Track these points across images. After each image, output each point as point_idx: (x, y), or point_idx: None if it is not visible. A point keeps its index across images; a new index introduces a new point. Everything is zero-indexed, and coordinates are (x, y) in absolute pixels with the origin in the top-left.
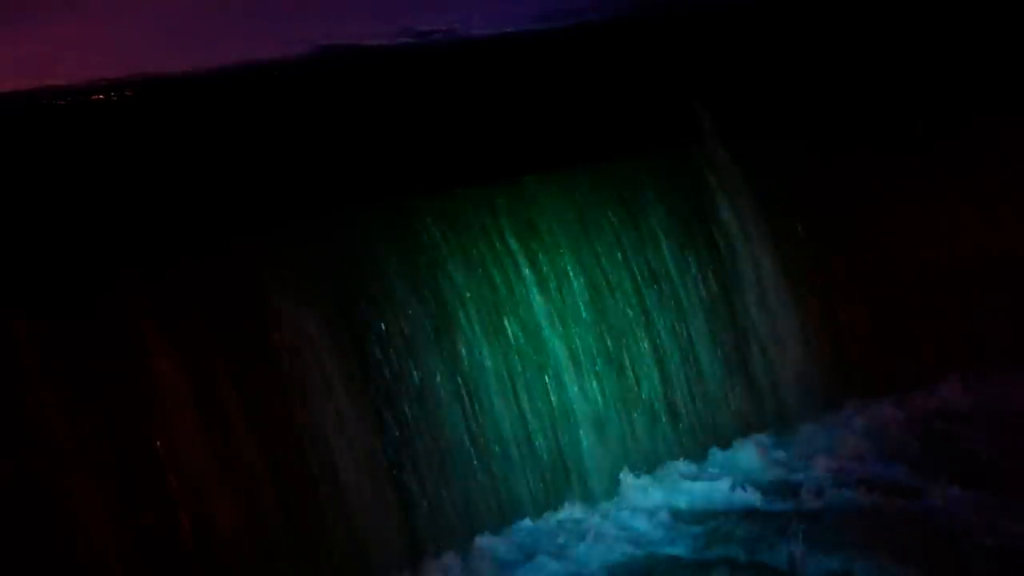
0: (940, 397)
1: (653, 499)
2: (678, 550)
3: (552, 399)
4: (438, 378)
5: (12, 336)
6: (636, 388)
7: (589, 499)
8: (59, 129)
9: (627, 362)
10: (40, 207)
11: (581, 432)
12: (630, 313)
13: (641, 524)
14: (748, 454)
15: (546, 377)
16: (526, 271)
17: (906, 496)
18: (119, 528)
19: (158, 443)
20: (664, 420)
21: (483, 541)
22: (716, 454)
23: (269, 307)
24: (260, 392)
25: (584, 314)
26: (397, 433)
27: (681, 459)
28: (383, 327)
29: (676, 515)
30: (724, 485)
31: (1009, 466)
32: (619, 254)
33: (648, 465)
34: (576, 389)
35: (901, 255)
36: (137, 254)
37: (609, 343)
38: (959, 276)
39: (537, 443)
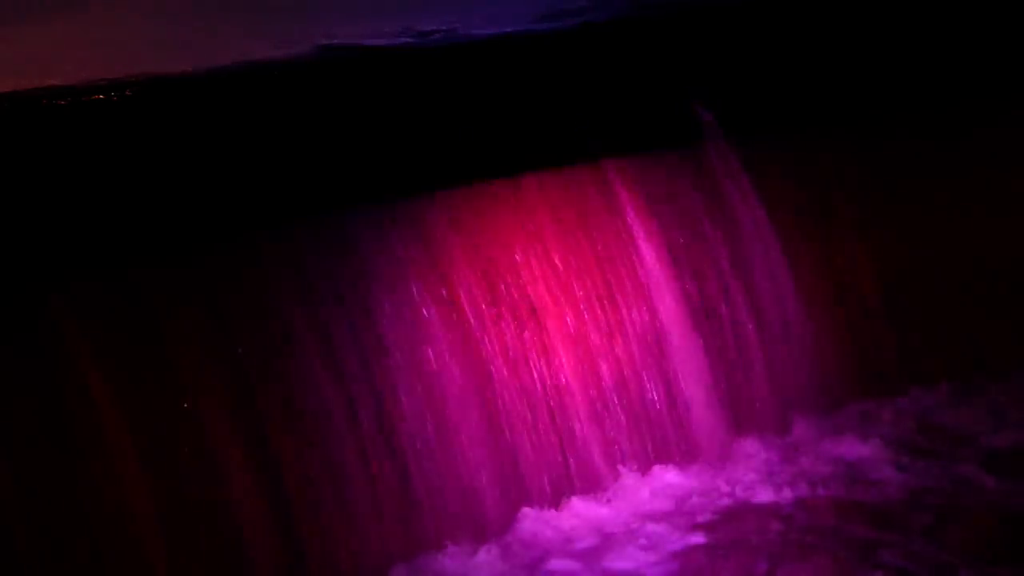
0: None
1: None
2: None
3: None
4: None
5: None
6: None
7: None
8: (59, 129)
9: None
10: (42, 207)
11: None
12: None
13: None
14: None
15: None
16: None
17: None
18: None
19: None
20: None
21: None
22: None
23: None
24: None
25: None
26: None
27: None
28: None
29: None
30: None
31: None
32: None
33: None
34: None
35: (913, 252)
36: (137, 253)
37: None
38: (973, 275)
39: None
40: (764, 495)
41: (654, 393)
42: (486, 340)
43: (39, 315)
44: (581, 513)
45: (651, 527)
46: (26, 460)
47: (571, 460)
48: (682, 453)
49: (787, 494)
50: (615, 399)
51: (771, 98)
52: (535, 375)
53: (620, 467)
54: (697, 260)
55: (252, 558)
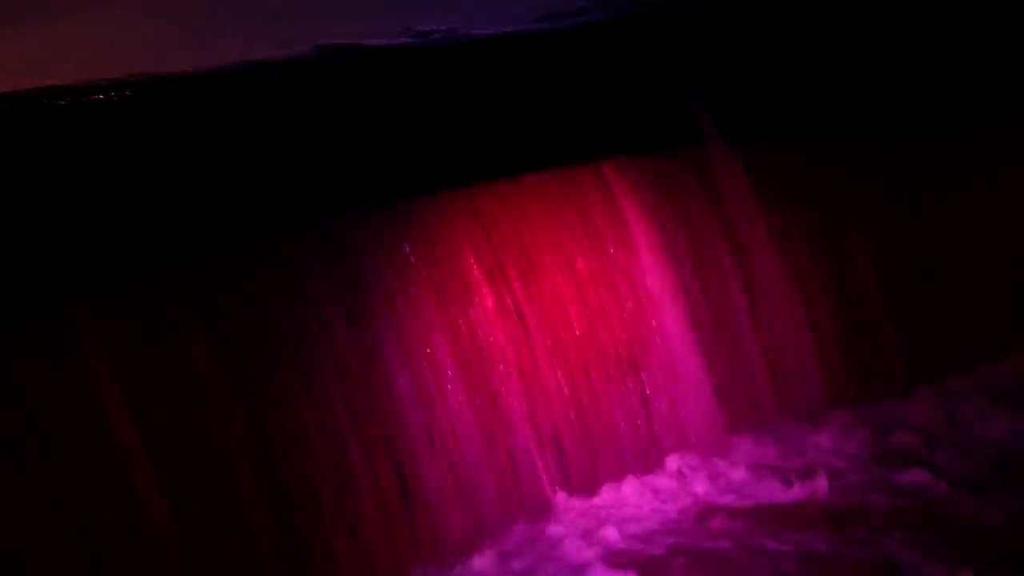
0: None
1: None
2: None
3: None
4: None
5: None
6: None
7: None
8: (59, 129)
9: None
10: (43, 206)
11: None
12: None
13: None
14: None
15: None
16: None
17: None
18: None
19: None
20: None
21: None
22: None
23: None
24: None
25: None
26: None
27: None
28: None
29: None
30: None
31: None
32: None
33: None
34: None
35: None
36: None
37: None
38: (966, 275)
39: None
40: (756, 494)
41: (653, 392)
42: (489, 340)
43: (47, 312)
44: (581, 508)
45: (650, 525)
46: (34, 456)
47: (573, 458)
48: (680, 452)
49: (780, 495)
50: (616, 398)
51: (771, 99)
52: (535, 374)
53: (622, 464)
54: (696, 260)
55: (257, 558)
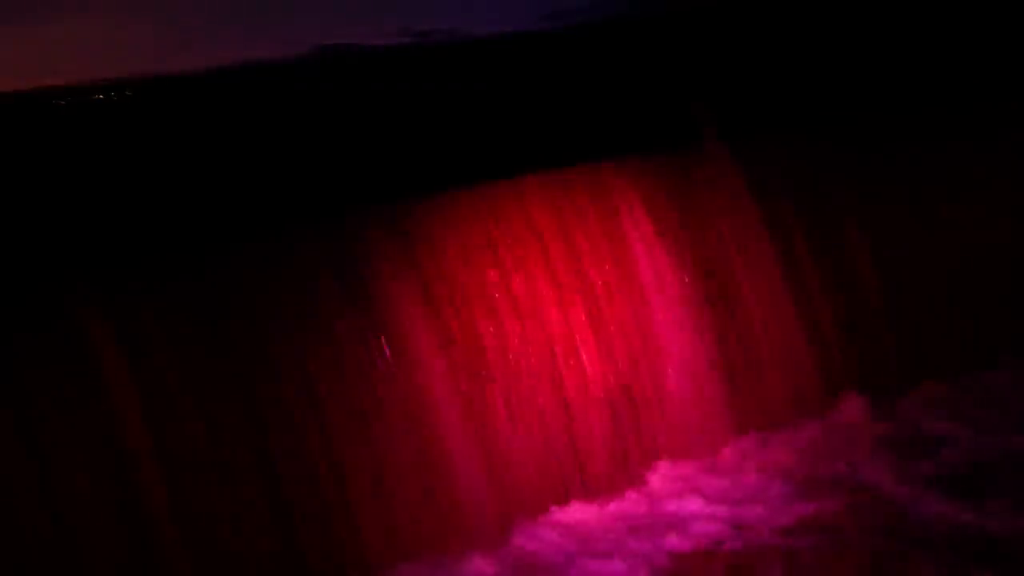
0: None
1: None
2: None
3: None
4: None
5: None
6: None
7: None
8: (59, 129)
9: None
10: (48, 205)
11: None
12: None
13: None
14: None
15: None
16: None
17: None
18: None
19: None
20: None
21: None
22: None
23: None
24: None
25: None
26: None
27: None
28: None
29: None
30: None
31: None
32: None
33: None
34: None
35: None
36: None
37: None
38: (967, 278)
39: None
40: (755, 497)
41: (653, 392)
42: (485, 340)
43: (58, 311)
44: (581, 510)
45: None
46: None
47: (571, 458)
48: (679, 452)
49: (778, 498)
50: (614, 398)
51: (771, 99)
52: (534, 373)
53: (622, 464)
54: (695, 259)
55: (256, 553)
